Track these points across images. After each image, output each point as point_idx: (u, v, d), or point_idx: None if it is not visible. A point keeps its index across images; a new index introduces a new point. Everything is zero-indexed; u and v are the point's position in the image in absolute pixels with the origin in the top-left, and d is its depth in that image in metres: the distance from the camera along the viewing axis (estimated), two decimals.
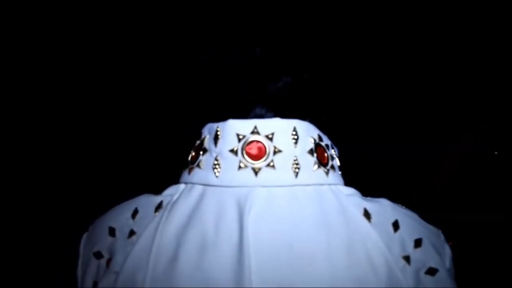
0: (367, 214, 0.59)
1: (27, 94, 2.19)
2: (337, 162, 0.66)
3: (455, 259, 0.63)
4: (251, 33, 0.64)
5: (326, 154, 0.64)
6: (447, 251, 0.63)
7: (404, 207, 0.65)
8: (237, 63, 0.64)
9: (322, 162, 0.63)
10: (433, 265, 0.59)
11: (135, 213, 0.63)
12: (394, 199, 0.64)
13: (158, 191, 0.67)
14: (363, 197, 0.63)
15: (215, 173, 0.61)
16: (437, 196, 2.35)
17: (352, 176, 0.69)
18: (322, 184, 0.61)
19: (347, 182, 0.65)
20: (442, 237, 0.64)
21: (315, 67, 0.66)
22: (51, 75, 2.22)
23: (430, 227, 0.64)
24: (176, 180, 0.66)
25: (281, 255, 0.55)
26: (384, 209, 0.61)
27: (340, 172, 0.66)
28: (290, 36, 0.64)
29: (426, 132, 2.60)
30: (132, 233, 0.61)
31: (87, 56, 2.23)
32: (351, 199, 0.61)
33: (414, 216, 0.64)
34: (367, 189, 0.67)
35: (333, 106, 0.68)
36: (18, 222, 2.07)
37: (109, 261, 0.60)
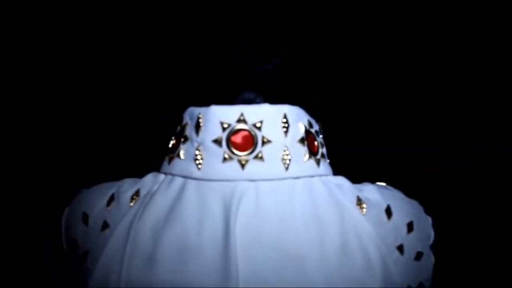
0: (360, 204, 0.56)
1: (17, 90, 2.19)
2: (325, 149, 0.62)
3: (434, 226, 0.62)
4: (239, 15, 0.60)
5: (316, 142, 0.59)
6: (429, 221, 0.62)
7: (385, 185, 0.63)
8: (224, 43, 0.59)
9: (313, 151, 0.58)
10: (420, 249, 0.58)
11: (110, 200, 0.58)
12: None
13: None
14: (352, 185, 0.60)
15: (197, 165, 0.55)
16: (434, 196, 2.35)
17: (352, 176, 0.67)
18: (312, 176, 0.57)
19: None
20: (422, 209, 0.63)
21: (303, 48, 0.61)
22: (43, 71, 2.22)
23: (412, 202, 0.63)
24: (156, 167, 0.61)
25: (271, 257, 0.51)
26: (374, 195, 0.58)
27: (328, 160, 0.62)
28: (280, 17, 0.62)
29: (424, 133, 2.60)
30: (105, 225, 0.56)
31: (72, 51, 2.23)
32: (342, 190, 0.58)
33: (399, 195, 0.62)
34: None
35: (323, 88, 0.64)
36: (17, 221, 2.07)
37: (85, 255, 0.56)
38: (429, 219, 0.63)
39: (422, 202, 0.65)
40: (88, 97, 2.26)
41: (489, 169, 2.42)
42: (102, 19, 2.17)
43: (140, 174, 0.65)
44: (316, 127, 0.61)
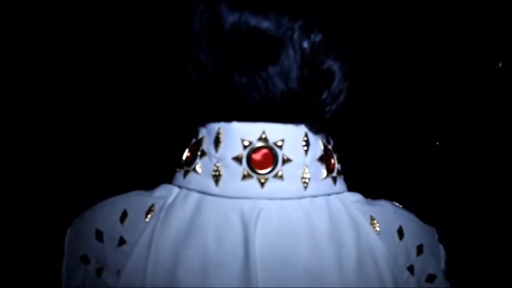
0: (373, 223, 0.56)
1: (20, 90, 2.19)
2: (340, 166, 0.61)
3: (448, 259, 0.63)
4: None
5: (333, 160, 0.58)
6: (442, 252, 0.62)
7: (400, 206, 0.63)
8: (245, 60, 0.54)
9: (330, 168, 0.57)
10: (431, 271, 0.59)
11: (124, 216, 0.56)
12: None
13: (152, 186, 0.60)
14: (367, 201, 0.60)
15: (215, 181, 0.54)
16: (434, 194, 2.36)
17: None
18: (329, 194, 0.57)
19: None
20: (436, 236, 0.63)
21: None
22: (48, 73, 2.22)
23: (426, 226, 0.63)
24: (168, 179, 0.59)
25: (291, 273, 0.52)
26: (388, 214, 0.59)
27: (342, 176, 0.61)
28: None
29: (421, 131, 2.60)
30: (122, 241, 0.55)
31: (81, 53, 2.22)
32: (358, 207, 0.58)
33: (412, 217, 0.62)
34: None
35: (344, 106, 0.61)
36: (17, 221, 2.07)
37: (99, 271, 0.55)
38: (441, 247, 0.63)
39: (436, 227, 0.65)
40: (87, 99, 2.25)
41: (487, 168, 2.43)
42: (115, 25, 2.17)
43: (136, 179, 0.63)
44: (331, 143, 0.60)
